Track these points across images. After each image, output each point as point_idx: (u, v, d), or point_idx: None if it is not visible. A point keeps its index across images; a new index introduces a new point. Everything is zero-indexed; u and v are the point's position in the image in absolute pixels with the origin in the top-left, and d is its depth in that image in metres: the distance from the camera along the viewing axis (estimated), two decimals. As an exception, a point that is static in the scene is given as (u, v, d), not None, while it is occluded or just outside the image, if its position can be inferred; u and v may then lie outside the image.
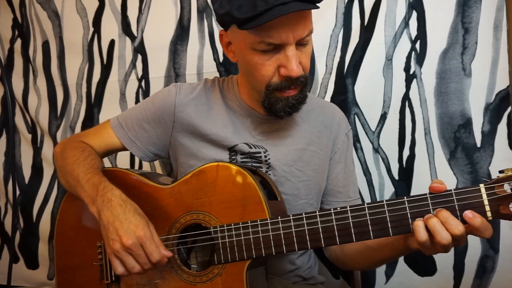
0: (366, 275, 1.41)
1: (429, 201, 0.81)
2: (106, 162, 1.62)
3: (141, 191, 1.04)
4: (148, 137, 1.13)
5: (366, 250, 1.00)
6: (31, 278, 1.73)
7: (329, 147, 1.13)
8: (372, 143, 1.41)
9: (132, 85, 1.62)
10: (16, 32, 1.74)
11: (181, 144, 1.11)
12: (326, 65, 1.43)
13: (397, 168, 1.40)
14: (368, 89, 1.40)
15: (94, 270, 1.06)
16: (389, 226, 0.83)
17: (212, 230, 0.96)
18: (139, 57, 1.60)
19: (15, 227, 1.73)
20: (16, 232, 1.74)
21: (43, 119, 1.70)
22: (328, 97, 1.43)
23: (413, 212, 0.82)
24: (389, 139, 1.40)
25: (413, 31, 1.36)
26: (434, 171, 1.36)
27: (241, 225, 0.93)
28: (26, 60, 1.73)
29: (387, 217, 0.83)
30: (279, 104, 0.98)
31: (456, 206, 0.79)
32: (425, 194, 0.82)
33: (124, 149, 1.15)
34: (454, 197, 0.79)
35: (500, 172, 0.78)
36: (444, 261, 1.35)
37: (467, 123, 1.32)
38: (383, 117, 1.40)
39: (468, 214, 0.77)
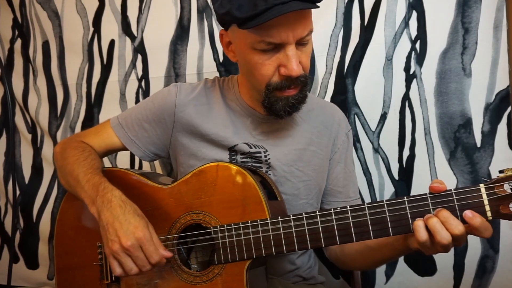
0: (366, 275, 1.41)
1: (429, 201, 0.81)
2: (106, 162, 1.62)
3: (141, 191, 1.04)
4: (148, 137, 1.13)
5: (366, 250, 1.00)
6: (31, 278, 1.73)
7: (329, 147, 1.13)
8: (372, 143, 1.41)
9: (132, 85, 1.62)
10: (16, 32, 1.74)
11: (181, 144, 1.11)
12: (326, 65, 1.43)
13: (397, 168, 1.40)
14: (368, 89, 1.40)
15: (94, 270, 1.06)
16: (389, 226, 0.83)
17: (212, 230, 0.96)
18: (139, 57, 1.60)
19: (15, 227, 1.73)
20: (16, 232, 1.74)
21: (43, 119, 1.70)
22: (328, 97, 1.43)
23: (413, 212, 0.82)
24: (389, 139, 1.40)
25: (413, 31, 1.36)
26: (434, 171, 1.36)
27: (241, 225, 0.93)
28: (26, 60, 1.73)
29: (387, 217, 0.83)
30: (279, 104, 0.98)
31: (456, 206, 0.79)
32: (425, 194, 0.82)
33: (124, 149, 1.15)
34: (454, 197, 0.79)
35: (500, 172, 0.78)
36: (444, 261, 1.35)
37: (467, 123, 1.32)
38: (383, 117, 1.40)
39: (468, 214, 0.77)
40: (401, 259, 1.40)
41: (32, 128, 1.74)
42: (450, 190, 0.80)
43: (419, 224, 0.80)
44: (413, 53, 1.37)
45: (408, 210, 0.82)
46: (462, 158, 1.33)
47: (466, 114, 1.32)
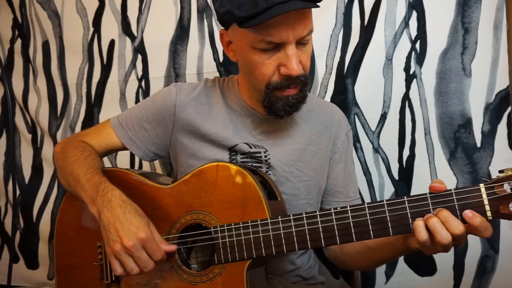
0: (366, 275, 1.41)
1: (429, 201, 0.81)
2: (106, 162, 1.62)
3: (141, 191, 1.04)
4: (148, 137, 1.13)
5: (366, 250, 1.00)
6: (31, 278, 1.73)
7: (329, 147, 1.13)
8: (372, 143, 1.41)
9: (132, 85, 1.62)
10: (16, 32, 1.74)
11: (181, 144, 1.11)
12: (326, 65, 1.43)
13: (397, 168, 1.40)
14: (368, 89, 1.40)
15: (94, 270, 1.06)
16: (389, 226, 0.83)
17: (212, 230, 0.96)
18: (139, 57, 1.60)
19: (15, 227, 1.73)
20: (16, 232, 1.74)
21: (43, 119, 1.70)
22: (328, 97, 1.43)
23: (413, 212, 0.82)
24: (389, 139, 1.40)
25: (413, 31, 1.36)
26: (434, 171, 1.36)
27: (241, 225, 0.93)
28: (26, 60, 1.73)
29: (387, 217, 0.83)
30: (279, 103, 0.98)
31: (456, 205, 0.79)
32: (425, 194, 0.82)
33: (124, 148, 1.15)
34: (454, 197, 0.79)
35: (500, 172, 0.78)
36: (444, 261, 1.35)
37: (467, 123, 1.32)
38: (383, 117, 1.40)
39: (468, 213, 0.77)
40: (401, 259, 1.40)
41: (32, 128, 1.74)
42: (450, 190, 0.80)
43: (419, 224, 0.80)
44: (413, 53, 1.37)
45: (408, 210, 0.82)
46: (462, 158, 1.33)
47: (466, 114, 1.32)
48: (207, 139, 1.09)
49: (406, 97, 1.38)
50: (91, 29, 1.64)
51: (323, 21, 1.41)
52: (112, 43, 1.63)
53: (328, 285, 1.32)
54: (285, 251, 0.91)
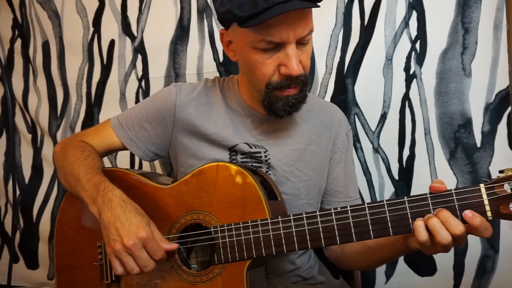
0: (366, 275, 1.41)
1: (429, 201, 0.81)
2: (106, 162, 1.62)
3: (141, 191, 1.04)
4: (148, 137, 1.13)
5: (366, 250, 1.00)
6: (31, 278, 1.73)
7: (329, 147, 1.13)
8: (372, 143, 1.41)
9: (132, 85, 1.62)
10: (16, 32, 1.74)
11: (181, 144, 1.11)
12: (326, 65, 1.43)
13: (397, 168, 1.40)
14: (368, 89, 1.40)
15: (94, 270, 1.06)
16: (389, 226, 0.83)
17: (212, 230, 0.96)
18: (139, 57, 1.60)
19: (15, 227, 1.73)
20: (16, 232, 1.74)
21: (43, 119, 1.70)
22: (328, 97, 1.43)
23: (413, 212, 0.82)
24: (389, 139, 1.40)
25: (413, 31, 1.36)
26: (434, 171, 1.36)
27: (241, 225, 0.93)
28: (26, 60, 1.73)
29: (387, 217, 0.83)
30: (279, 103, 0.98)
31: (456, 206, 0.79)
32: (425, 194, 0.82)
33: (124, 148, 1.15)
34: (454, 197, 0.79)
35: (500, 172, 0.78)
36: (444, 261, 1.35)
37: (467, 123, 1.32)
38: (383, 117, 1.40)
39: (468, 213, 0.77)
40: (401, 259, 1.40)
41: (32, 128, 1.74)
42: (450, 190, 0.80)
43: (419, 224, 0.80)
44: (413, 53, 1.37)
45: (408, 210, 0.82)
46: (462, 158, 1.33)
47: (466, 114, 1.32)
48: (207, 139, 1.09)
49: (406, 97, 1.38)
50: (91, 29, 1.64)
51: (323, 21, 1.41)
52: (112, 43, 1.63)
53: (328, 285, 1.32)
54: (285, 251, 0.91)
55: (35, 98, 1.71)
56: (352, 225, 0.86)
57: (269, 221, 0.92)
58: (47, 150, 1.71)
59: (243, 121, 1.10)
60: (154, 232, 0.90)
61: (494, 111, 1.30)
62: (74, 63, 1.67)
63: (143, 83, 1.61)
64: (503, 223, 1.30)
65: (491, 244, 1.31)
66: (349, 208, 0.86)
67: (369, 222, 0.84)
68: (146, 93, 1.60)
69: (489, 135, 1.31)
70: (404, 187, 1.39)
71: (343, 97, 1.41)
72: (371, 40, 1.38)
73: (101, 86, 1.64)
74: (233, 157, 1.09)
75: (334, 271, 1.46)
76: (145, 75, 1.60)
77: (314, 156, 1.11)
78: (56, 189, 1.71)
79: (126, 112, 1.17)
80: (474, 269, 1.33)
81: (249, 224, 0.93)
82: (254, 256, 0.92)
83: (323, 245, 0.88)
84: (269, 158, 1.08)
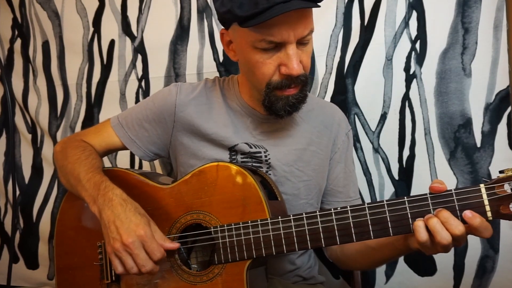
0: (366, 275, 1.41)
1: (429, 201, 0.81)
2: (106, 162, 1.62)
3: (141, 191, 1.04)
4: (148, 137, 1.13)
5: (366, 250, 1.00)
6: (31, 278, 1.73)
7: (329, 147, 1.13)
8: (372, 143, 1.41)
9: (132, 85, 1.62)
10: (16, 32, 1.74)
11: (182, 144, 1.11)
12: (326, 65, 1.43)
13: (397, 168, 1.40)
14: (368, 89, 1.40)
15: (94, 270, 1.06)
16: (389, 226, 0.83)
17: (212, 230, 0.96)
18: (139, 57, 1.60)
19: (15, 227, 1.73)
20: (16, 232, 1.74)
21: (43, 119, 1.70)
22: (328, 97, 1.43)
23: (413, 212, 0.82)
24: (389, 139, 1.40)
25: (413, 31, 1.36)
26: (434, 171, 1.36)
27: (241, 225, 0.93)
28: (26, 60, 1.73)
29: (387, 217, 0.83)
30: (279, 103, 0.98)
31: (456, 206, 0.79)
32: (425, 194, 0.82)
33: (124, 148, 1.15)
34: (454, 197, 0.79)
35: (500, 172, 0.78)
36: (444, 261, 1.35)
37: (467, 123, 1.32)
38: (383, 117, 1.40)
39: (468, 214, 0.77)
40: (401, 259, 1.40)
41: (32, 128, 1.74)
42: (450, 190, 0.80)
43: (419, 224, 0.80)
44: (413, 53, 1.37)
45: (408, 210, 0.82)
46: (462, 158, 1.33)
47: (466, 114, 1.32)
48: (207, 139, 1.09)
49: (406, 97, 1.38)
50: (91, 29, 1.64)
51: (323, 21, 1.41)
52: (112, 43, 1.63)
53: (328, 285, 1.32)
54: (285, 251, 0.91)
55: (35, 98, 1.71)
56: (352, 225, 0.86)
57: (269, 221, 0.92)
58: (47, 150, 1.71)
59: (243, 121, 1.10)
60: (155, 232, 0.90)
61: (494, 111, 1.30)
62: (74, 63, 1.67)
63: (143, 83, 1.61)
64: (503, 223, 1.30)
65: (491, 244, 1.31)
66: (349, 208, 0.86)
67: (369, 222, 0.84)
68: (146, 93, 1.60)
69: (489, 135, 1.31)
70: (404, 187, 1.39)
71: (343, 97, 1.41)
72: (371, 40, 1.38)
73: (101, 86, 1.64)
74: (233, 157, 1.09)
75: (334, 271, 1.46)
76: (145, 75, 1.60)
77: (314, 156, 1.11)
78: (56, 189, 1.71)
79: (126, 112, 1.17)
80: (474, 269, 1.33)
81: (249, 224, 0.93)
82: (254, 256, 0.92)
83: (323, 245, 0.88)
84: (269, 158, 1.08)
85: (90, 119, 1.66)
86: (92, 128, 1.20)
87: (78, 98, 1.67)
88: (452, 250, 1.29)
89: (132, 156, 1.63)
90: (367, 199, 1.42)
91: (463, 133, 1.32)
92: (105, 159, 1.57)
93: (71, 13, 1.66)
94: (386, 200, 0.84)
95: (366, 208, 0.85)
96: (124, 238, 0.87)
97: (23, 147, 1.75)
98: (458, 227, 0.77)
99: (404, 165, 1.39)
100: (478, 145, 1.32)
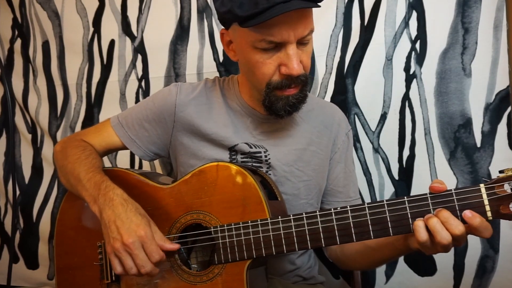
0: (366, 275, 1.41)
1: (429, 201, 0.81)
2: (106, 162, 1.62)
3: (141, 191, 1.04)
4: (148, 136, 1.13)
5: (366, 250, 1.00)
6: (31, 278, 1.73)
7: (329, 147, 1.13)
8: (372, 143, 1.41)
9: (132, 85, 1.62)
10: (16, 32, 1.74)
11: (182, 144, 1.11)
12: (326, 65, 1.43)
13: (397, 168, 1.40)
14: (368, 89, 1.40)
15: (94, 270, 1.06)
16: (389, 226, 0.83)
17: (212, 230, 0.96)
18: (139, 57, 1.60)
19: (15, 227, 1.73)
20: (16, 232, 1.74)
21: (43, 119, 1.70)
22: (328, 97, 1.43)
23: (413, 212, 0.82)
24: (389, 139, 1.40)
25: (413, 31, 1.36)
26: (434, 171, 1.36)
27: (241, 225, 0.93)
28: (26, 60, 1.73)
29: (387, 217, 0.83)
30: (279, 103, 0.98)
31: (456, 206, 0.79)
32: (425, 194, 0.82)
33: (124, 148, 1.15)
34: (454, 197, 0.79)
35: (500, 172, 0.78)
36: (444, 261, 1.35)
37: (467, 123, 1.32)
38: (383, 117, 1.40)
39: (467, 213, 0.77)
40: (401, 259, 1.40)
41: (32, 128, 1.74)
42: (450, 190, 0.80)
43: (419, 224, 0.80)
44: (413, 53, 1.37)
45: (408, 210, 0.82)
46: (462, 158, 1.33)
47: (466, 114, 1.32)
48: (207, 139, 1.09)
49: (406, 97, 1.38)
50: (91, 29, 1.64)
51: (323, 21, 1.41)
52: (112, 43, 1.63)
53: (328, 285, 1.32)
54: (285, 251, 0.91)
55: (35, 98, 1.71)
56: (352, 225, 0.86)
57: (269, 221, 0.92)
58: (47, 150, 1.71)
59: (243, 121, 1.10)
60: (155, 233, 0.90)
61: (494, 111, 1.30)
62: (74, 63, 1.67)
63: (143, 83, 1.61)
64: (503, 223, 1.30)
65: (491, 244, 1.31)
66: (349, 208, 0.86)
67: (369, 222, 0.84)
68: (146, 93, 1.60)
69: (489, 135, 1.31)
70: (404, 187, 1.39)
71: (343, 97, 1.41)
72: (371, 40, 1.38)
73: (101, 86, 1.64)
74: (233, 157, 1.09)
75: (334, 271, 1.46)
76: (145, 75, 1.60)
77: (314, 156, 1.11)
78: (56, 189, 1.71)
79: (126, 112, 1.17)
80: (474, 269, 1.33)
81: (249, 224, 0.93)
82: (254, 256, 0.92)
83: (323, 245, 0.88)
84: (269, 158, 1.08)
85: (90, 119, 1.66)
86: (92, 128, 1.20)
87: (78, 98, 1.67)
88: (452, 250, 1.29)
89: (132, 156, 1.63)
90: (367, 199, 1.42)
91: (463, 133, 1.32)
92: (105, 159, 1.57)
93: (71, 13, 1.66)
94: (386, 200, 0.84)
95: (366, 208, 0.85)
96: (125, 238, 0.87)
97: (23, 147, 1.75)
98: (458, 227, 0.77)
99: (404, 165, 1.39)
100: (478, 145, 1.32)
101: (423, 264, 1.38)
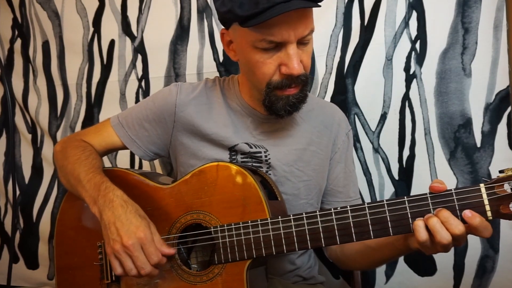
0: (366, 275, 1.41)
1: (429, 201, 0.81)
2: (106, 162, 1.62)
3: (141, 191, 1.04)
4: (148, 136, 1.13)
5: (366, 250, 1.00)
6: (31, 278, 1.73)
7: (329, 147, 1.14)
8: (372, 143, 1.41)
9: (132, 85, 1.62)
10: (16, 32, 1.74)
11: (182, 144, 1.11)
12: (326, 65, 1.43)
13: (397, 168, 1.40)
14: (368, 89, 1.40)
15: (94, 270, 1.06)
16: (389, 226, 0.83)
17: (212, 230, 0.96)
18: (139, 57, 1.60)
19: (15, 227, 1.73)
20: (16, 232, 1.74)
21: (43, 119, 1.70)
22: (328, 97, 1.43)
23: (413, 212, 0.82)
24: (389, 139, 1.40)
25: (413, 31, 1.36)
26: (434, 171, 1.36)
27: (241, 225, 0.93)
28: (26, 60, 1.73)
29: (387, 217, 0.83)
30: (279, 103, 0.98)
31: (456, 206, 0.79)
32: (425, 194, 0.82)
33: (124, 148, 1.15)
34: (454, 197, 0.79)
35: (500, 172, 0.78)
36: (444, 261, 1.35)
37: (467, 123, 1.32)
38: (383, 117, 1.40)
39: (467, 213, 0.77)
40: (401, 259, 1.40)
41: (32, 128, 1.74)
42: (450, 190, 0.80)
43: (419, 224, 0.80)
44: (413, 53, 1.37)
45: (408, 210, 0.82)
46: (462, 158, 1.33)
47: (466, 114, 1.32)
48: (208, 139, 1.09)
49: (406, 97, 1.38)
50: (91, 29, 1.64)
51: (323, 21, 1.41)
52: (112, 43, 1.63)
53: (328, 285, 1.32)
54: (285, 251, 0.91)
55: (35, 98, 1.71)
56: (352, 225, 0.86)
57: (269, 221, 0.92)
58: (47, 150, 1.71)
59: (244, 121, 1.10)
60: (154, 235, 0.90)
61: (494, 111, 1.30)
62: (74, 63, 1.67)
63: (143, 83, 1.61)
64: (503, 223, 1.30)
65: (491, 244, 1.31)
66: (349, 208, 0.86)
67: (369, 222, 0.84)
68: (146, 93, 1.60)
69: (489, 135, 1.31)
70: (404, 187, 1.39)
71: (343, 97, 1.41)
72: (371, 40, 1.38)
73: (101, 86, 1.64)
74: (233, 157, 1.09)
75: (334, 271, 1.46)
76: (145, 75, 1.60)
77: (314, 156, 1.11)
78: (56, 189, 1.71)
79: (126, 112, 1.17)
80: (474, 269, 1.33)
81: (249, 224, 0.93)
82: (254, 256, 0.92)
83: (323, 245, 0.89)
84: (269, 158, 1.08)
85: (90, 119, 1.66)
86: (92, 128, 1.20)
87: (78, 98, 1.67)
88: (452, 250, 1.30)
89: (132, 156, 1.63)
90: (367, 199, 1.42)
91: (463, 133, 1.32)
92: (105, 159, 1.57)
93: (71, 13, 1.66)
94: (386, 200, 0.84)
95: (366, 208, 0.85)
96: (124, 240, 0.87)
97: (23, 147, 1.75)
98: (458, 227, 0.77)
99: (404, 165, 1.39)
100: (478, 145, 1.32)
101: (423, 264, 1.38)
